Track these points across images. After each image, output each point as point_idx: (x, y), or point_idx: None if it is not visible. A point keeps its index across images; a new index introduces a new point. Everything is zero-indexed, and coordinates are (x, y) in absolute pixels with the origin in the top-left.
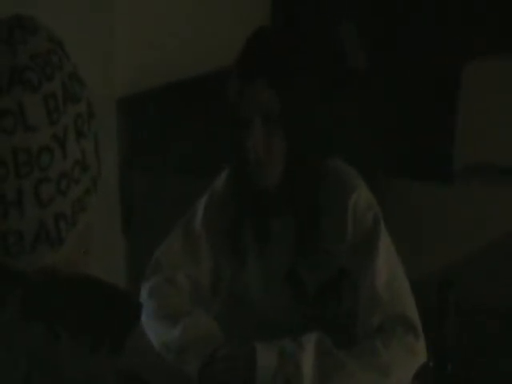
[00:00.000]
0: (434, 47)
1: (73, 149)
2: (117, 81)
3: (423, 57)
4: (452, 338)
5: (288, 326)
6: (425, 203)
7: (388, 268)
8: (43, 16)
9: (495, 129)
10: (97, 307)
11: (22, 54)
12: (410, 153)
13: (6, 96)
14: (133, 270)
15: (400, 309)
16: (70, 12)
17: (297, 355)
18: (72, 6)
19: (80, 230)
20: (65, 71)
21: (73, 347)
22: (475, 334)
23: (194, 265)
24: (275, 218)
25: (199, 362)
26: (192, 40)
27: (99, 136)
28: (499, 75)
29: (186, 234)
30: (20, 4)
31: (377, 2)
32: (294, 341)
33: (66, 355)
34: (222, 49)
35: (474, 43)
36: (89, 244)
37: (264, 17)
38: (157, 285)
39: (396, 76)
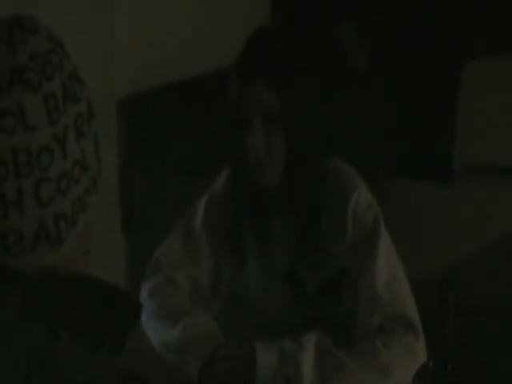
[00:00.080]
0: (434, 47)
1: (73, 149)
2: (117, 81)
3: (423, 57)
4: (452, 338)
5: (288, 326)
6: (425, 203)
7: (388, 268)
8: (43, 16)
9: (495, 129)
10: (97, 307)
11: (22, 54)
12: (410, 153)
13: (6, 96)
14: (133, 270)
15: (400, 309)
16: (70, 12)
17: (297, 355)
18: (72, 6)
19: (80, 230)
20: (65, 71)
21: (73, 347)
22: (475, 334)
23: (194, 265)
24: (275, 218)
25: (199, 362)
26: (192, 40)
27: (99, 136)
28: (499, 75)
29: (186, 233)
30: (20, 4)
31: (377, 2)
32: (294, 341)
33: (66, 355)
34: (222, 49)
35: (474, 43)
36: (89, 244)
37: (264, 17)
38: (157, 285)
39: (396, 76)
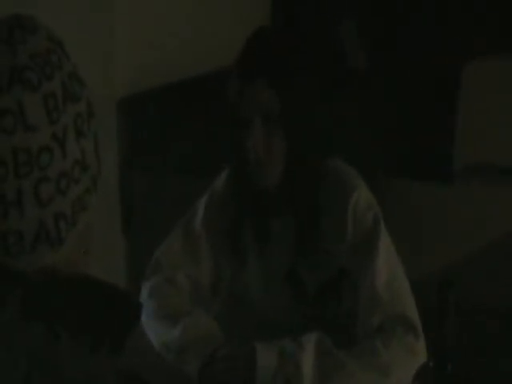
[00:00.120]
0: (434, 47)
1: (72, 148)
2: (117, 81)
3: (423, 57)
4: (452, 338)
5: (288, 326)
6: (425, 203)
7: (388, 268)
8: (43, 16)
9: (495, 129)
10: (97, 307)
11: (22, 54)
12: (410, 153)
13: (5, 96)
14: (133, 270)
15: (400, 309)
16: (70, 12)
17: (297, 355)
18: (72, 6)
19: (80, 230)
20: (64, 71)
21: (73, 347)
22: (475, 334)
23: (194, 265)
24: (275, 217)
25: (199, 362)
26: (192, 40)
27: (99, 136)
28: (499, 75)
29: (186, 233)
30: (20, 4)
31: (377, 2)
32: (294, 341)
33: (66, 355)
34: (222, 49)
35: (474, 43)
36: (89, 244)
37: (264, 17)
38: (157, 285)
39: (396, 76)
